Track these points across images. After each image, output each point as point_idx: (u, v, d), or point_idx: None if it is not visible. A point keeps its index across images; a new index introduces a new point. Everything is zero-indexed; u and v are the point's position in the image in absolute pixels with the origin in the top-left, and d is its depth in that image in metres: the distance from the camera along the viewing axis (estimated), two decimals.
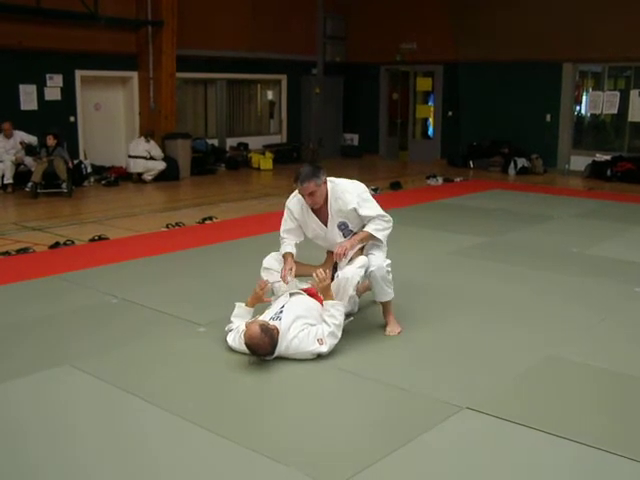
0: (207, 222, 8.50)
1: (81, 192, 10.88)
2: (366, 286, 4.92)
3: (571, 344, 4.49)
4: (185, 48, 12.67)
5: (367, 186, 4.71)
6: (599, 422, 3.45)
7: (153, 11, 12.35)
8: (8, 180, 10.61)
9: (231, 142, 14.60)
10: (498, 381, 3.92)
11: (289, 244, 4.55)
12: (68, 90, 11.78)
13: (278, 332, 4.05)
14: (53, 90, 11.61)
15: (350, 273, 4.37)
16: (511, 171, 13.61)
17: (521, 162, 13.63)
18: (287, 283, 4.42)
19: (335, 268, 4.50)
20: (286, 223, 4.62)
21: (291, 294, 4.38)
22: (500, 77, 14.29)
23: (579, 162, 13.54)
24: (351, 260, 4.45)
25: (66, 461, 3.08)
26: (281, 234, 4.61)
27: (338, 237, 4.53)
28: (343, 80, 16.41)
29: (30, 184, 10.31)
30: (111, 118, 12.88)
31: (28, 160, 10.67)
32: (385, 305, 4.67)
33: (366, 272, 4.47)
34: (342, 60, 16.36)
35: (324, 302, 4.30)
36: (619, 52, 12.75)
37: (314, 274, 4.29)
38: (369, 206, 4.49)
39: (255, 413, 3.54)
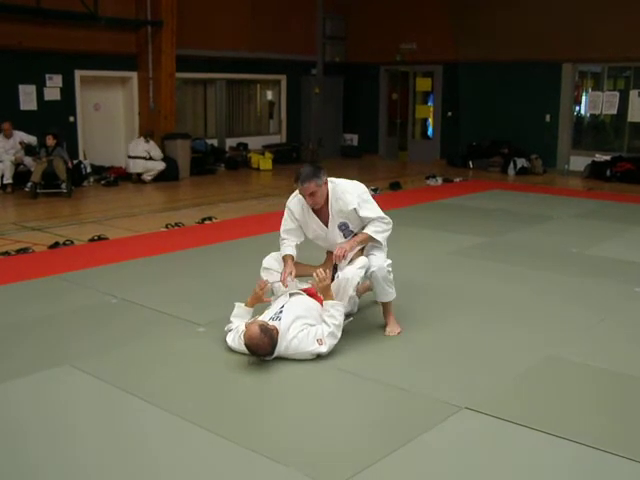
0: (207, 222, 8.50)
1: (80, 192, 10.88)
2: (366, 287, 4.92)
3: (571, 344, 4.49)
4: (184, 48, 12.68)
5: (367, 186, 4.70)
6: (599, 422, 3.45)
7: (153, 11, 12.35)
8: (8, 180, 10.61)
9: (231, 142, 14.60)
10: (498, 381, 3.93)
11: (289, 245, 4.54)
12: (68, 90, 11.78)
13: (278, 332, 4.05)
14: (53, 90, 11.61)
15: (350, 274, 4.37)
16: (511, 171, 13.61)
17: (521, 162, 13.64)
18: (286, 287, 4.42)
19: (335, 268, 4.50)
20: (286, 223, 4.61)
21: (291, 294, 4.38)
22: (500, 77, 14.29)
23: (579, 162, 13.54)
24: (351, 261, 4.45)
25: (66, 461, 3.08)
26: (281, 234, 4.60)
27: (338, 237, 4.53)
28: (343, 80, 16.41)
29: (29, 184, 10.30)
30: (111, 118, 12.88)
31: (28, 160, 10.67)
32: (385, 305, 4.67)
33: (367, 273, 4.47)
34: (342, 60, 16.36)
35: (324, 302, 4.30)
36: (619, 52, 12.76)
37: (314, 274, 4.29)
38: (369, 207, 4.49)
39: (255, 413, 3.54)
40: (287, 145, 15.34)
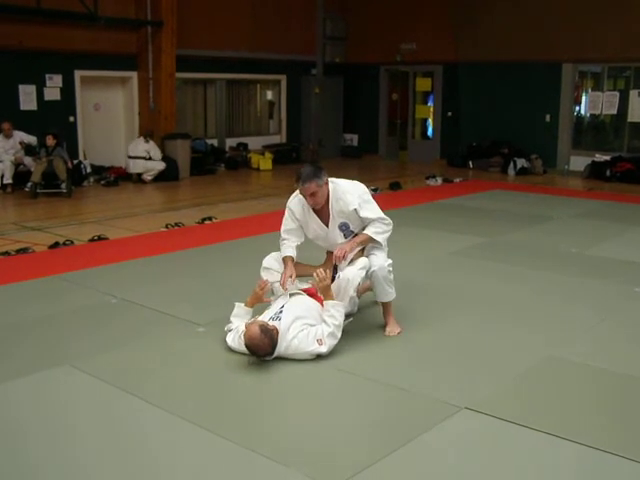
0: (207, 222, 8.50)
1: (80, 192, 10.88)
2: (366, 287, 4.92)
3: (571, 344, 4.49)
4: (185, 48, 12.67)
5: (367, 186, 4.70)
6: (599, 422, 3.45)
7: (153, 11, 12.35)
8: (8, 180, 10.61)
9: (231, 142, 14.60)
10: (498, 381, 3.92)
11: (289, 246, 4.54)
12: (68, 90, 11.79)
13: (278, 332, 4.05)
14: (53, 90, 11.61)
15: (351, 274, 4.37)
16: (511, 171, 13.61)
17: (521, 162, 13.63)
18: (286, 290, 4.41)
19: (335, 269, 4.49)
20: (287, 223, 4.60)
21: (291, 294, 4.38)
22: (500, 77, 14.29)
23: (579, 162, 13.54)
24: (352, 261, 4.45)
25: (66, 461, 3.08)
26: (282, 234, 4.60)
27: (339, 238, 4.53)
28: (343, 80, 16.41)
29: (29, 184, 10.31)
30: (111, 118, 12.88)
31: (27, 160, 10.67)
32: (385, 305, 4.67)
33: (367, 273, 4.47)
34: (342, 60, 16.35)
35: (324, 302, 4.30)
36: (619, 52, 12.75)
37: (314, 274, 4.29)
38: (370, 208, 4.49)
39: (255, 413, 3.54)
40: (287, 145, 15.34)
